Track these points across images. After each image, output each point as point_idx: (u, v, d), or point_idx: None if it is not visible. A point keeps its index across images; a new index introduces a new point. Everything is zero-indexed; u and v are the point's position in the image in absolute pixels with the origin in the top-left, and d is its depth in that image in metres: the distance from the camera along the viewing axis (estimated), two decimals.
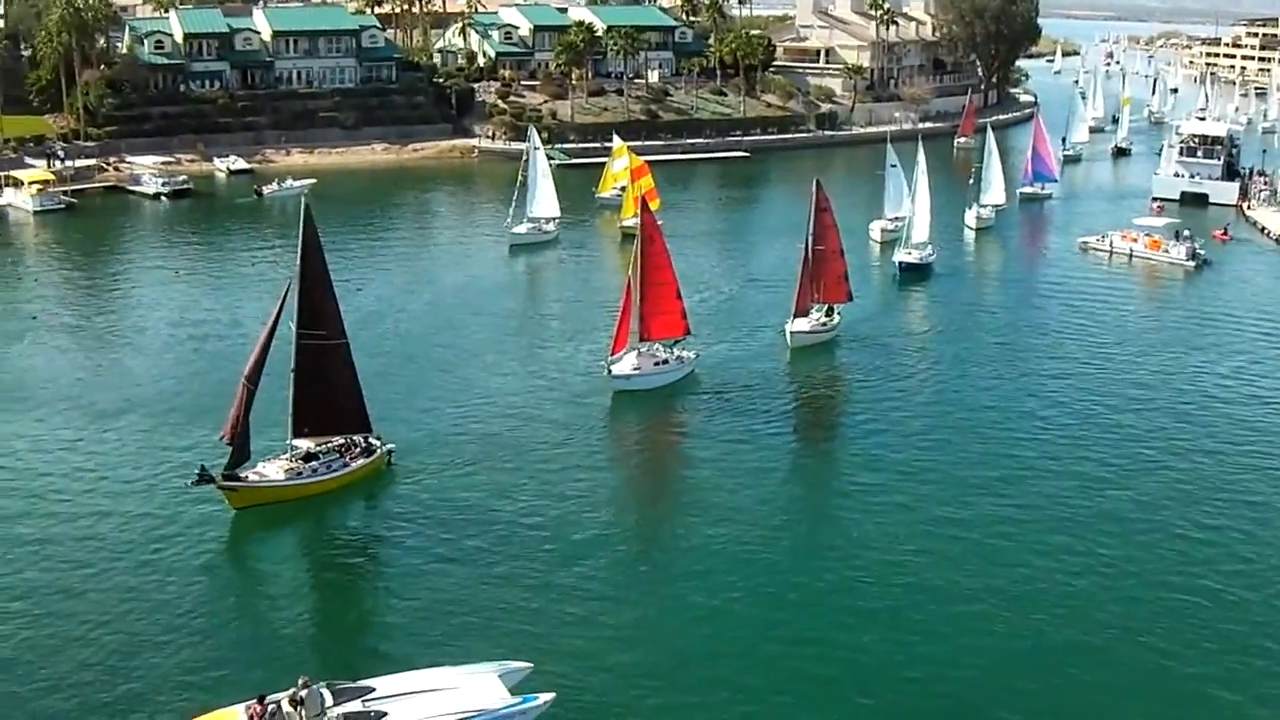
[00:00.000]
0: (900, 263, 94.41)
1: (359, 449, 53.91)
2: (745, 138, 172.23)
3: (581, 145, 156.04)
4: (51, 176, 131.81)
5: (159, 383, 67.54)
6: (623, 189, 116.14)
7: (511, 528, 49.24)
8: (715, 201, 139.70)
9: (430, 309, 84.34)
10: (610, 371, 64.70)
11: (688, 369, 67.56)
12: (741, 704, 37.64)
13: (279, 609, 44.73)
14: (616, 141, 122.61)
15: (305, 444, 53.17)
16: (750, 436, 59.89)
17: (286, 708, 34.03)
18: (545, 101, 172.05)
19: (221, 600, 44.61)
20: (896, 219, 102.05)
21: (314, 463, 52.73)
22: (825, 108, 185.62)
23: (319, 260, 52.19)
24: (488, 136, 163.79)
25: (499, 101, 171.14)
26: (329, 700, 34.18)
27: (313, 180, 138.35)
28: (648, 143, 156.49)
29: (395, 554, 47.72)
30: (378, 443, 54.54)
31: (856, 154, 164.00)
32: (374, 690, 35.12)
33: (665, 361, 67.05)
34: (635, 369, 65.58)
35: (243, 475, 50.79)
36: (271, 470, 51.88)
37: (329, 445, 53.61)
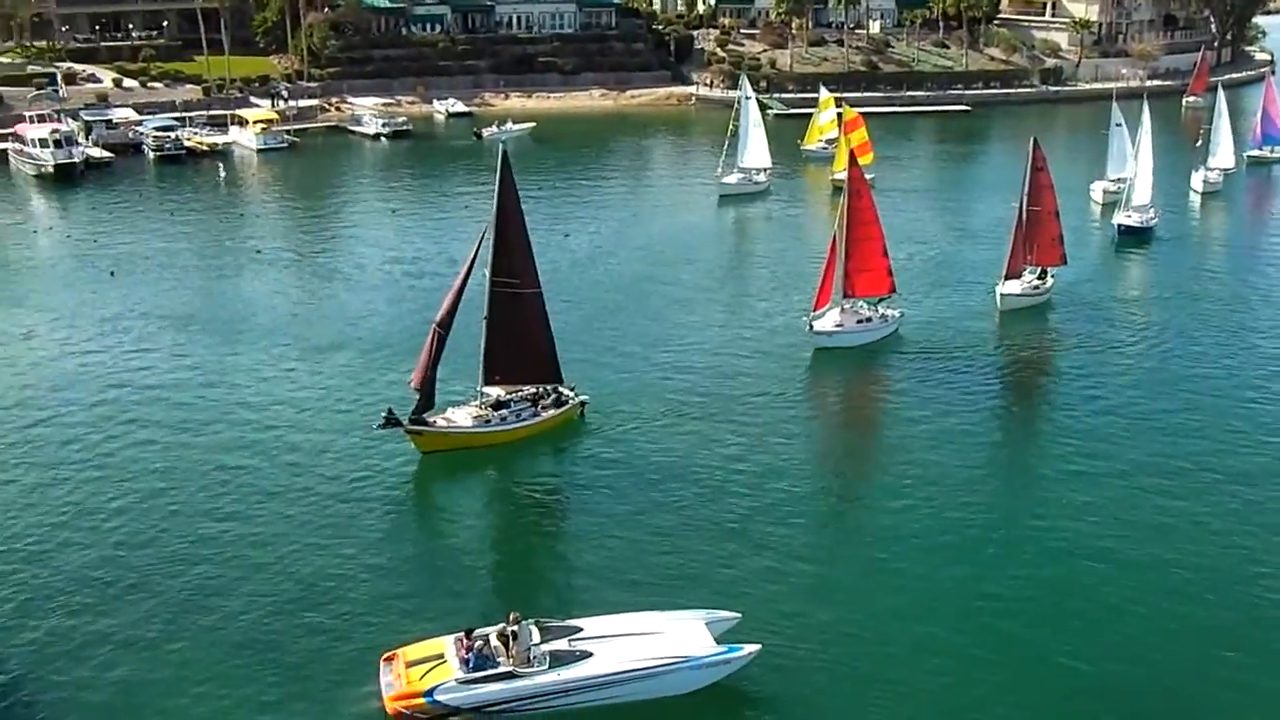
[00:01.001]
0: (1120, 225, 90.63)
1: (551, 399, 53.38)
2: (966, 91, 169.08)
3: (800, 95, 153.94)
4: (275, 116, 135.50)
5: (372, 319, 69.13)
6: (829, 141, 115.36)
7: (708, 481, 48.58)
8: (932, 156, 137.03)
9: (637, 258, 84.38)
10: (812, 327, 63.46)
11: (891, 327, 66.01)
12: (947, 672, 36.46)
13: (473, 550, 45.33)
14: (823, 93, 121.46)
15: (496, 392, 53.05)
16: (954, 399, 58.02)
17: (494, 642, 34.44)
18: (764, 50, 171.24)
19: (416, 538, 45.59)
20: (1119, 180, 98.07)
21: (504, 411, 52.49)
22: (1050, 62, 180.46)
23: (515, 207, 51.33)
24: (705, 84, 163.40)
25: (718, 49, 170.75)
26: (536, 637, 34.54)
27: (532, 124, 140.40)
28: (867, 94, 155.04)
29: (590, 502, 47.38)
30: (571, 393, 54.03)
31: (1080, 111, 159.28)
32: (581, 630, 35.36)
33: (869, 319, 65.57)
34: (837, 326, 64.32)
35: (430, 420, 50.85)
36: (460, 416, 51.91)
37: (521, 394, 53.25)
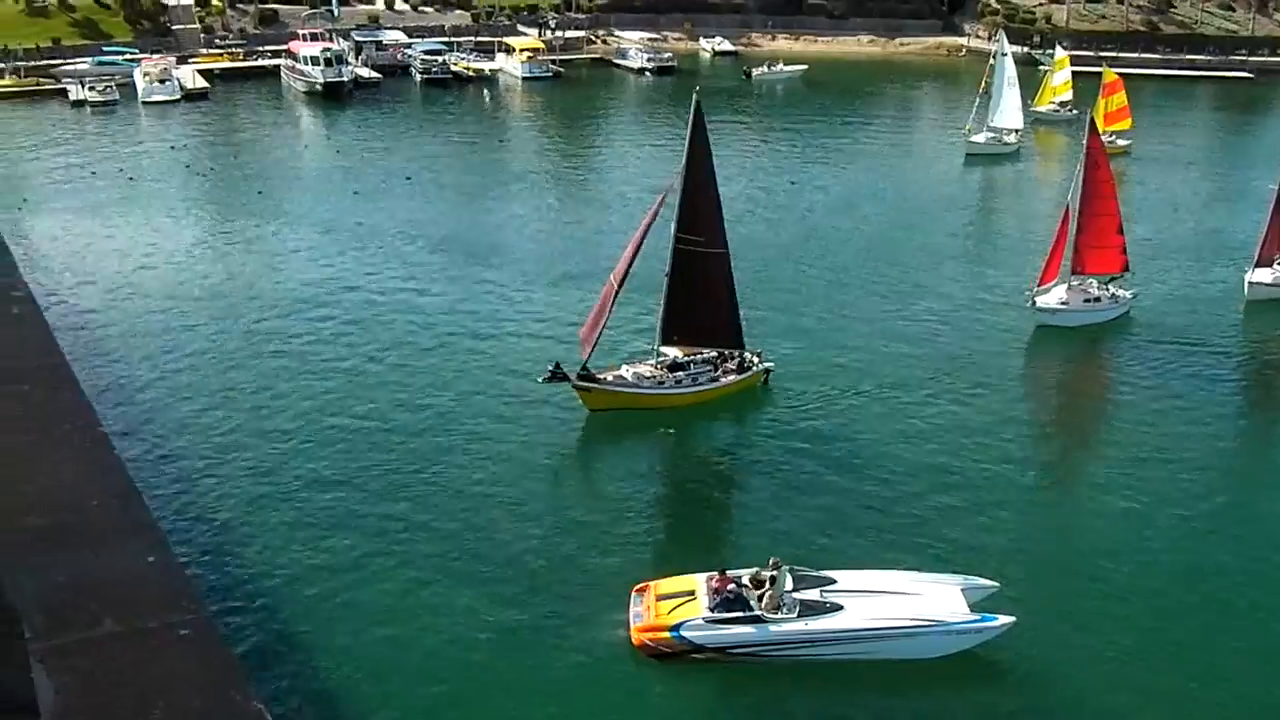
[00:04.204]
0: None
1: (733, 364, 51.37)
2: (1250, 58, 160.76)
3: (1075, 53, 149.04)
4: (542, 45, 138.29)
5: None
6: (1062, 104, 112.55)
7: (918, 455, 46.66)
8: (1204, 125, 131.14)
9: (872, 215, 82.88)
10: (1035, 303, 60.80)
11: (1122, 309, 62.91)
12: (1204, 667, 34.56)
13: (696, 499, 44.98)
14: (1059, 53, 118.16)
15: (673, 352, 50.89)
16: (1187, 391, 54.36)
17: (747, 583, 34.28)
18: (1041, 4, 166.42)
19: (628, 483, 44.97)
20: None
21: (680, 373, 50.39)
22: None
23: (705, 161, 49.44)
24: (977, 36, 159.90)
25: (992, 1, 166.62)
26: (790, 584, 34.16)
27: (804, 67, 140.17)
28: (1144, 55, 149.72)
29: (792, 465, 45.70)
30: (755, 359, 51.81)
31: None
32: (834, 582, 34.70)
33: (1097, 299, 62.67)
34: (1062, 303, 61.64)
35: (601, 376, 49.12)
36: (633, 375, 50.09)
37: (701, 357, 51.10)
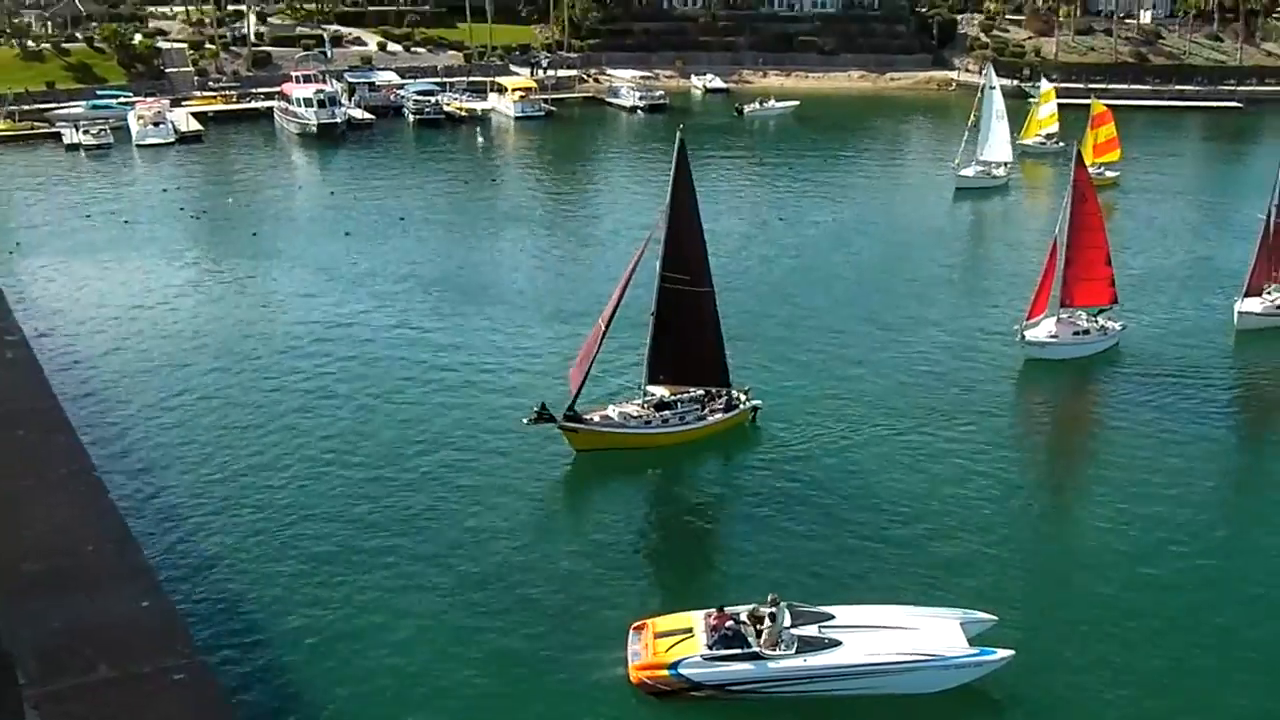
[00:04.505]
0: None
1: (720, 402, 50.72)
2: (1239, 88, 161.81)
3: (1064, 85, 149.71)
4: (534, 85, 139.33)
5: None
6: (1047, 136, 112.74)
7: (919, 486, 46.58)
8: (1193, 155, 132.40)
9: (861, 251, 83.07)
10: (1024, 337, 60.60)
11: (1111, 341, 62.79)
12: (1204, 696, 34.59)
13: (684, 538, 44.71)
14: (1044, 85, 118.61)
15: (660, 391, 50.43)
16: (1177, 426, 53.72)
17: (745, 620, 34.25)
18: (1030, 38, 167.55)
19: (613, 525, 44.60)
20: None
21: (666, 412, 49.90)
22: None
23: (689, 199, 49.14)
24: (967, 70, 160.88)
25: (981, 35, 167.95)
26: (787, 621, 34.09)
27: (796, 103, 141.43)
28: (1133, 86, 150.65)
29: (785, 501, 45.33)
30: (743, 397, 51.22)
31: None
32: (833, 618, 34.58)
33: (1086, 331, 62.54)
34: (1052, 336, 61.52)
35: (587, 416, 48.68)
36: (619, 415, 49.56)
37: (688, 395, 50.61)
